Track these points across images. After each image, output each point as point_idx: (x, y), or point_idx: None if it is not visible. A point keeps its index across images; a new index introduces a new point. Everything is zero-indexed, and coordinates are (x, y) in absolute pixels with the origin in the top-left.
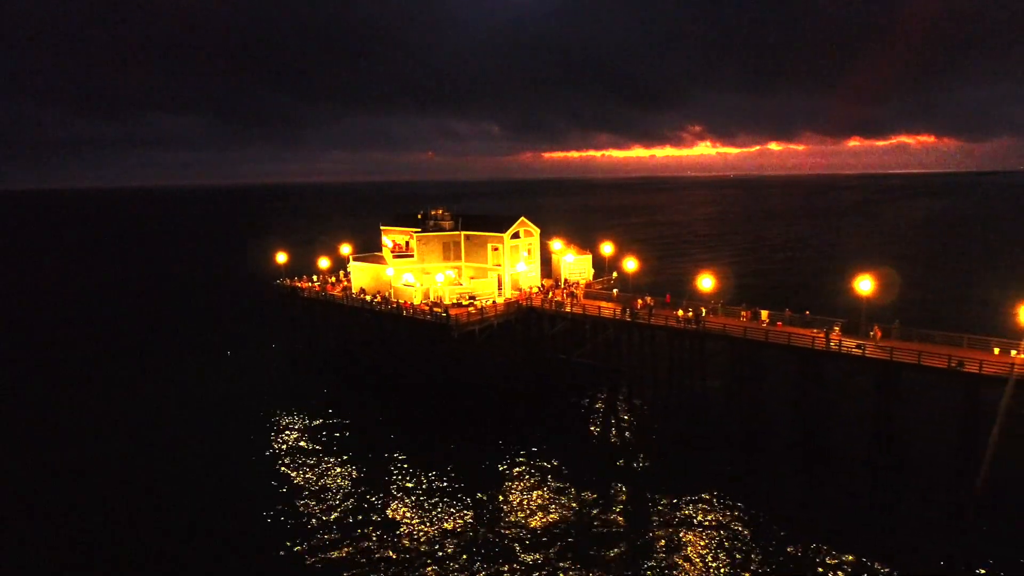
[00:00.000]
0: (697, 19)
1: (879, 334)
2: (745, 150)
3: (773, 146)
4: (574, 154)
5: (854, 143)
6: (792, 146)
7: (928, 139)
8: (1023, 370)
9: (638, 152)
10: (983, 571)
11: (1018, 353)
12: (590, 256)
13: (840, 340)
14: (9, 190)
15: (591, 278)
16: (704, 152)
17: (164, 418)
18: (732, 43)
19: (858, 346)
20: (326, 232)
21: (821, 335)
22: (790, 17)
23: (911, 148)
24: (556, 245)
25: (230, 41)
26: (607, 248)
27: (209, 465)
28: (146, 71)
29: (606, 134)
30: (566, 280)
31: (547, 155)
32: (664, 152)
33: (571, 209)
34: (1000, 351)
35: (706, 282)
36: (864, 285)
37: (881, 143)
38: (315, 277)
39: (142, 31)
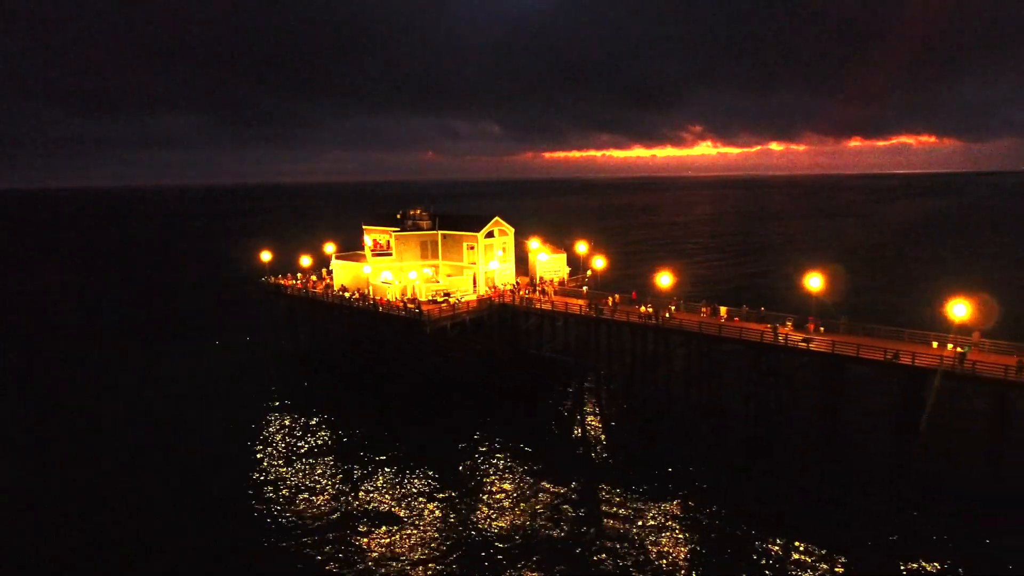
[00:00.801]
0: (697, 19)
1: (812, 327)
2: (746, 150)
3: (774, 146)
4: (574, 154)
5: (855, 143)
6: (793, 146)
7: (929, 139)
8: (951, 362)
9: (639, 152)
10: (916, 557)
11: (954, 347)
12: (564, 255)
13: (787, 334)
14: (9, 189)
15: (565, 276)
16: (705, 152)
17: (149, 409)
18: (732, 43)
19: (804, 340)
20: (316, 231)
21: (770, 329)
22: (790, 17)
23: (912, 148)
24: (533, 244)
25: (230, 40)
26: (582, 247)
27: (192, 454)
28: (146, 70)
29: (606, 134)
30: (541, 278)
31: (547, 155)
32: (665, 152)
33: (562, 209)
34: (937, 344)
35: (664, 279)
36: (814, 282)
37: (882, 143)
38: (299, 275)
39: (142, 30)
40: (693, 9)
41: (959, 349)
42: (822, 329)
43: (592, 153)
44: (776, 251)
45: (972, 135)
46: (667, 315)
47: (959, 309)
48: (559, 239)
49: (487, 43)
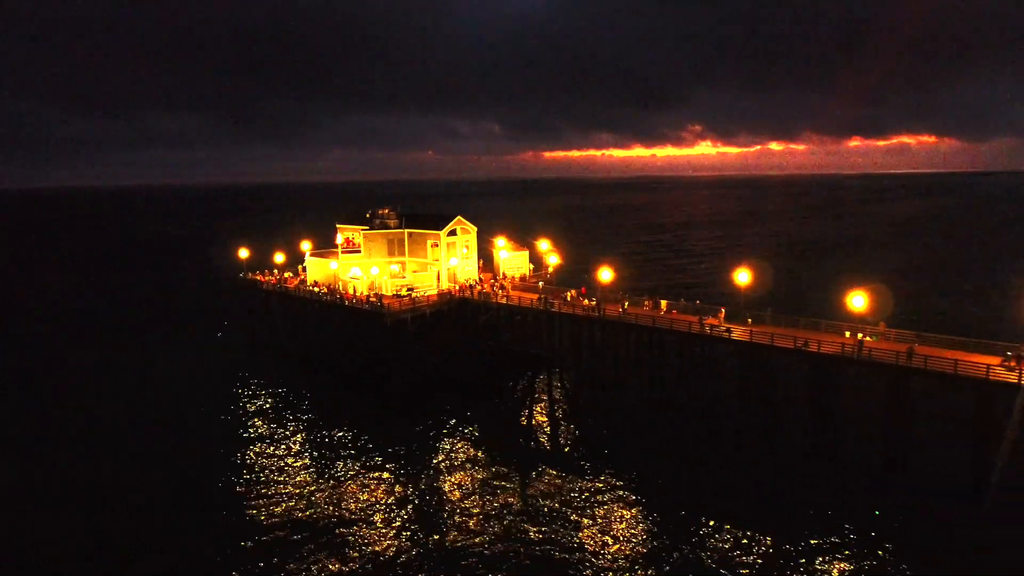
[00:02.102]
0: (697, 18)
1: (722, 315)
2: (745, 150)
3: (774, 146)
4: (575, 153)
5: (855, 143)
6: (793, 146)
7: (929, 139)
8: (853, 349)
9: (639, 151)
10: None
11: (864, 335)
12: (527, 252)
13: (711, 324)
14: (8, 189)
15: (527, 272)
16: (705, 152)
17: (133, 393)
18: (732, 42)
19: (726, 330)
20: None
21: (695, 319)
22: (790, 16)
23: (912, 148)
24: (500, 242)
25: (230, 40)
26: (544, 245)
27: (170, 435)
28: (146, 70)
29: (607, 133)
30: (503, 274)
31: (547, 154)
32: (665, 152)
33: (550, 210)
34: (850, 334)
35: (605, 275)
36: (742, 277)
37: (882, 143)
38: (275, 271)
39: (142, 29)
40: (693, 8)
41: (859, 336)
42: (749, 320)
43: (592, 152)
44: (744, 251)
45: (972, 135)
46: (621, 309)
47: (857, 300)
48: (524, 238)
49: (487, 43)
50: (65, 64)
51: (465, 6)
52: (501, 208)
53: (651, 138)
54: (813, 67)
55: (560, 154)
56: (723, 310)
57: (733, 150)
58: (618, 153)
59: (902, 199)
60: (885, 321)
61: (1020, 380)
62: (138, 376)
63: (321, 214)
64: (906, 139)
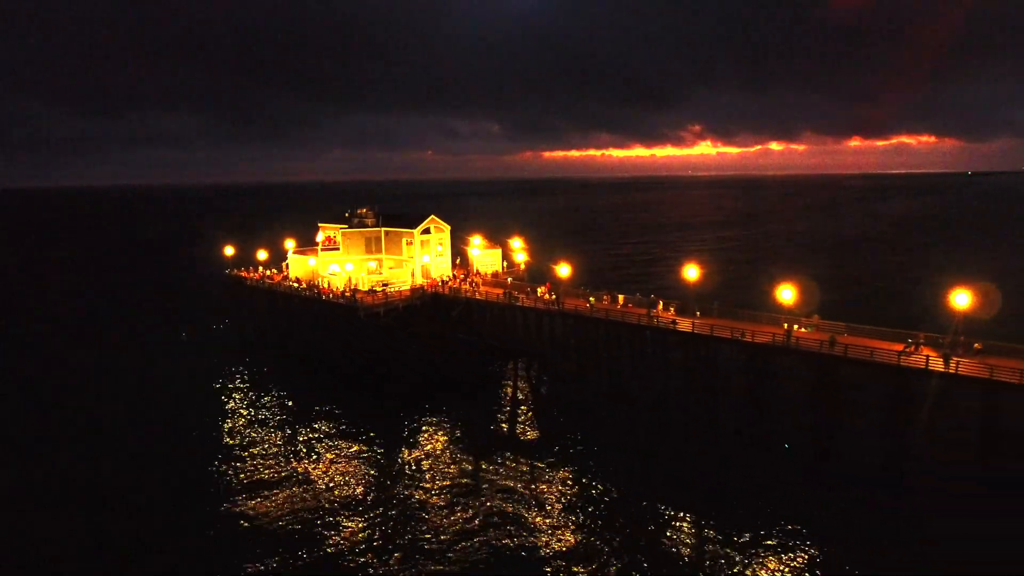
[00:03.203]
0: (697, 18)
1: (660, 306)
2: (746, 150)
3: (774, 146)
4: (574, 153)
5: (855, 143)
6: (793, 146)
7: (929, 139)
8: (782, 339)
9: (638, 152)
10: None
11: (799, 327)
12: (499, 250)
13: (657, 315)
14: (8, 189)
15: (500, 269)
16: (705, 152)
17: (124, 384)
18: (732, 42)
19: (672, 322)
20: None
21: (645, 312)
22: (790, 16)
23: (912, 148)
24: (476, 240)
25: (229, 39)
26: (516, 243)
27: (159, 423)
28: (145, 69)
29: (606, 133)
30: (477, 271)
31: (547, 154)
32: (665, 152)
33: (547, 209)
34: (787, 326)
35: (563, 270)
36: (691, 272)
37: (881, 143)
38: (260, 268)
39: (141, 29)
40: (693, 8)
41: (786, 327)
42: (698, 313)
43: (592, 152)
44: (709, 249)
45: (972, 135)
46: (588, 304)
47: (786, 293)
48: (497, 237)
49: (487, 42)
50: (63, 61)
51: (465, 6)
52: (499, 208)
53: (651, 138)
54: (813, 67)
55: (560, 154)
56: (675, 304)
57: (733, 150)
58: (618, 153)
59: (890, 199)
60: (819, 314)
61: (928, 366)
62: (130, 370)
63: (316, 214)
64: (906, 139)
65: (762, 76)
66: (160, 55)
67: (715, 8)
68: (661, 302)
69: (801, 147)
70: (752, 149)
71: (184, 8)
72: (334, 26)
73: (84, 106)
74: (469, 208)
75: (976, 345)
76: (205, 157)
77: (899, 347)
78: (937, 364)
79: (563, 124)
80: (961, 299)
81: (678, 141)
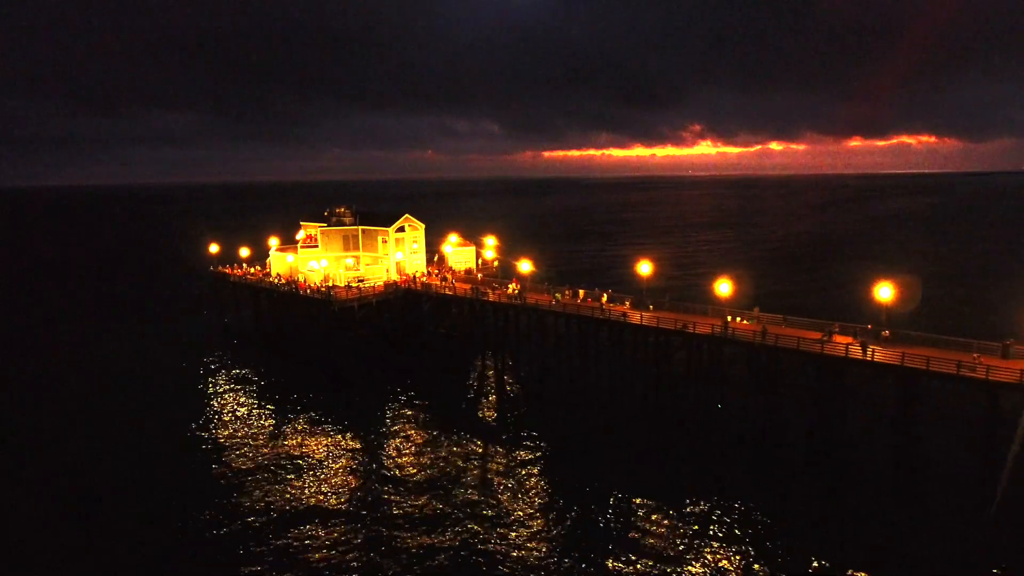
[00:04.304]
0: (697, 18)
1: (605, 298)
2: (745, 149)
3: (774, 145)
4: (574, 153)
5: (855, 143)
6: (793, 146)
7: (929, 139)
8: (720, 330)
9: (638, 151)
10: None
11: (742, 320)
12: (473, 248)
13: (610, 309)
14: (7, 188)
15: (473, 266)
16: (705, 151)
17: (111, 373)
18: (732, 42)
19: (622, 315)
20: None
21: (598, 305)
22: (790, 16)
23: (912, 148)
24: (452, 238)
25: (229, 38)
26: (490, 241)
27: (145, 410)
28: (143, 67)
29: (606, 133)
30: (451, 268)
31: (547, 154)
32: (665, 151)
33: (541, 209)
34: (732, 318)
35: (525, 266)
36: (644, 268)
37: (882, 143)
38: (244, 265)
39: (140, 27)
40: (693, 8)
41: (727, 319)
42: (651, 306)
43: (592, 152)
44: (698, 254)
45: (972, 135)
46: (552, 299)
47: (723, 287)
48: (472, 235)
49: (487, 42)
50: (62, 60)
51: (465, 6)
52: (492, 208)
53: (651, 138)
54: (813, 67)
55: (559, 154)
56: (630, 299)
57: (733, 150)
58: (618, 153)
59: (885, 199)
60: (759, 306)
61: (847, 354)
62: (113, 364)
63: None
64: (906, 139)
65: (762, 76)
66: (160, 54)
67: (716, 7)
68: (605, 295)
69: (801, 147)
70: (752, 149)
71: (184, 7)
72: (333, 26)
73: (83, 105)
74: (465, 208)
75: (884, 333)
76: (205, 156)
77: (839, 339)
78: (856, 352)
79: (563, 124)
80: (884, 292)
81: (678, 141)
